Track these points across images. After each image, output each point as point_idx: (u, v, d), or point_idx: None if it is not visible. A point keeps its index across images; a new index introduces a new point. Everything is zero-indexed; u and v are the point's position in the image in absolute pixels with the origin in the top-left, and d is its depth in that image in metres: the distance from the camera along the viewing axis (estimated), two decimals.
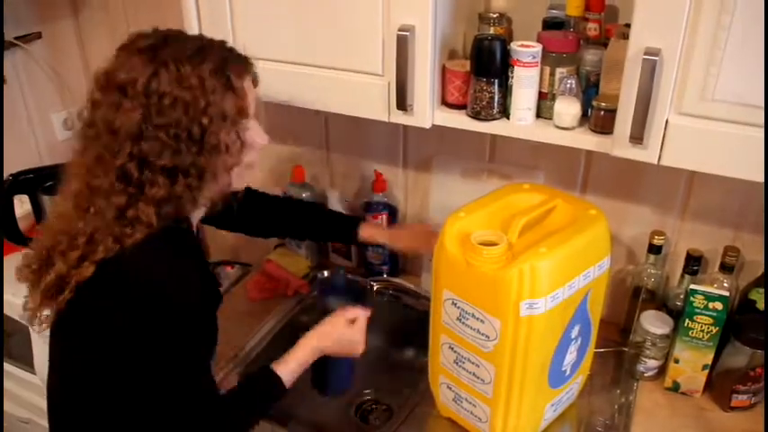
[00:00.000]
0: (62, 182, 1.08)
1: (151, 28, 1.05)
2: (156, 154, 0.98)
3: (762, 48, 0.94)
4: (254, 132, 1.10)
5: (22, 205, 1.61)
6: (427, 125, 1.25)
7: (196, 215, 1.14)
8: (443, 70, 1.24)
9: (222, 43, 1.07)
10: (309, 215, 1.52)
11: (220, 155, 1.02)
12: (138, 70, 0.97)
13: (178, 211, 1.04)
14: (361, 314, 1.29)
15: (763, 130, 0.99)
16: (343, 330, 1.26)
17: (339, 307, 1.30)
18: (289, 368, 1.18)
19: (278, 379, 1.17)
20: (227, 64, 1.03)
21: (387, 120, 1.26)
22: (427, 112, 1.23)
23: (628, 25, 1.05)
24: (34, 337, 1.49)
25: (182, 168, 1.00)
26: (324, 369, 1.31)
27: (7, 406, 1.71)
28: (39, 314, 1.09)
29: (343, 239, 1.62)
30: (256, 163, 1.15)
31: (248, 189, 1.44)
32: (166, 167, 0.99)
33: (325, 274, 1.76)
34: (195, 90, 0.98)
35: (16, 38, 1.74)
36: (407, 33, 1.15)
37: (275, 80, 1.28)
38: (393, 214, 1.70)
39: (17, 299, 1.48)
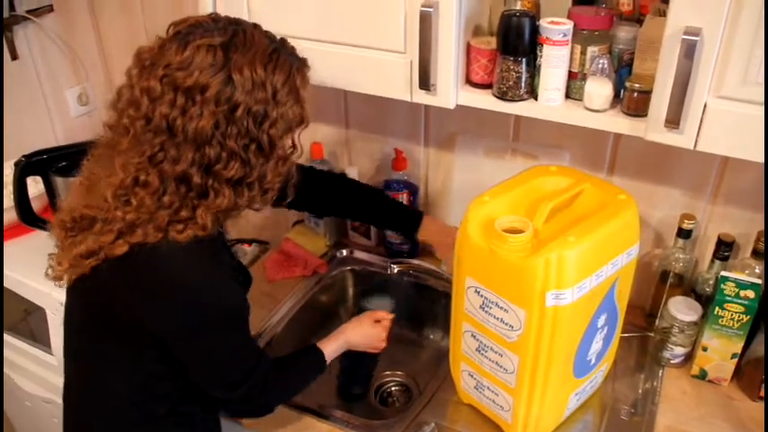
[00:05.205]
0: (95, 161, 1.05)
1: (208, 14, 1.02)
2: (224, 164, 0.95)
3: None
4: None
5: (36, 185, 1.59)
6: (451, 105, 1.20)
7: None
8: (468, 48, 1.19)
9: (285, 42, 1.04)
10: (372, 203, 1.50)
11: (279, 163, 1.02)
12: (208, 73, 0.93)
13: (229, 217, 1.05)
14: (387, 316, 1.41)
15: None
16: (370, 327, 1.38)
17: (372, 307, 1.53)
18: (328, 350, 1.30)
19: (321, 354, 1.28)
20: (295, 71, 1.01)
21: (409, 99, 1.22)
22: (451, 91, 1.18)
23: (664, 1, 1.00)
24: (50, 317, 1.49)
25: (249, 180, 0.99)
26: (351, 370, 1.51)
27: (30, 387, 1.72)
28: (62, 276, 1.07)
29: (403, 233, 1.59)
30: None
31: (309, 168, 1.47)
32: (233, 178, 0.97)
33: (344, 253, 1.75)
34: (269, 102, 0.96)
35: (28, 11, 1.70)
36: (431, 9, 1.09)
37: None
38: (414, 193, 1.66)
39: (30, 280, 1.50)
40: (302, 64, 1.05)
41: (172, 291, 1.00)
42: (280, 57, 0.99)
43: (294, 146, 1.06)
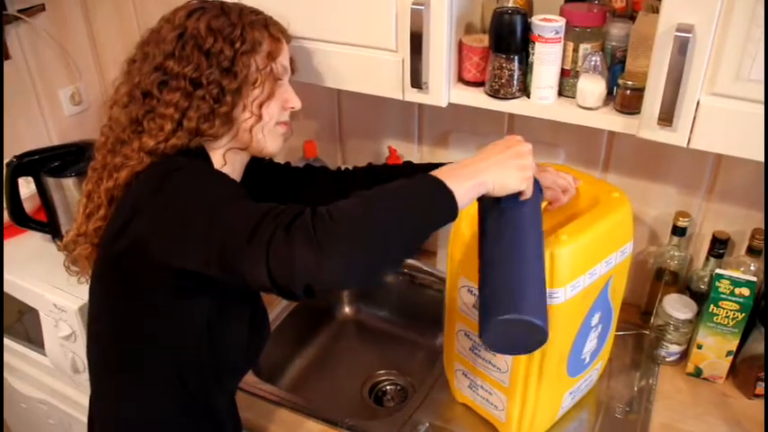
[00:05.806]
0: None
1: None
2: (183, 66, 1.00)
3: None
4: (287, 92, 1.12)
5: (27, 185, 1.58)
6: (443, 104, 1.19)
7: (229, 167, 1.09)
8: (460, 46, 1.19)
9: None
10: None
11: (246, 85, 1.03)
12: (185, 7, 1.05)
13: (198, 130, 1.01)
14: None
15: None
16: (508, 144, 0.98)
17: None
18: (438, 172, 0.89)
19: (427, 174, 0.88)
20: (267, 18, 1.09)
21: (401, 98, 1.21)
22: (443, 89, 1.18)
23: None
24: (44, 318, 1.48)
25: (204, 82, 1.00)
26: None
27: (25, 388, 1.72)
28: (75, 246, 1.07)
29: None
30: (289, 128, 1.15)
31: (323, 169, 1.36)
32: (187, 76, 1.00)
33: None
34: (234, 20, 1.03)
35: (19, 11, 1.69)
36: (422, 8, 1.09)
37: None
38: None
39: (23, 282, 1.49)
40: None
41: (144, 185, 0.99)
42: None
43: (272, 74, 1.07)
